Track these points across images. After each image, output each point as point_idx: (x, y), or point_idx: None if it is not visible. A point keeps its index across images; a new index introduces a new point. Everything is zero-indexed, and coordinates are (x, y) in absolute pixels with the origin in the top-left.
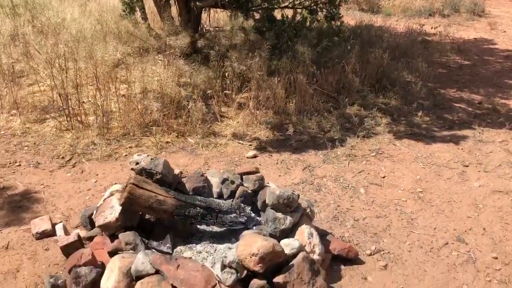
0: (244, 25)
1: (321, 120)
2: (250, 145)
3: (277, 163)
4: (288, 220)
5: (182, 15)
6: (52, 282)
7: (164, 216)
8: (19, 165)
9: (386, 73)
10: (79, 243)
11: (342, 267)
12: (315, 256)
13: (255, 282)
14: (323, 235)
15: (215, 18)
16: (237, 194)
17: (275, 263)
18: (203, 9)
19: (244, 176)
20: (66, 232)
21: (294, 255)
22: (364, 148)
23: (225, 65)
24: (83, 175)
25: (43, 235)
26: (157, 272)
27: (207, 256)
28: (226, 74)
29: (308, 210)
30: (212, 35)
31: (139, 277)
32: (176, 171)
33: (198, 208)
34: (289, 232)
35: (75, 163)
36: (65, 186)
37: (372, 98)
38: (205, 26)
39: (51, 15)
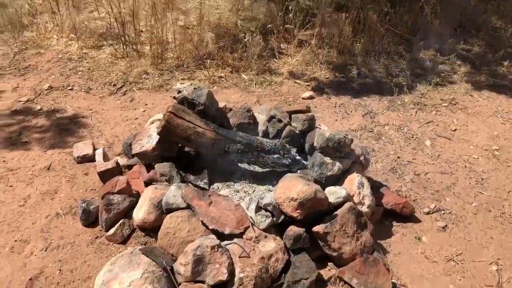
0: None
1: (390, 64)
2: (308, 85)
3: (335, 107)
4: (337, 166)
5: None
6: (84, 206)
7: (202, 149)
8: (72, 89)
9: (471, 16)
10: (117, 171)
11: (394, 223)
12: (364, 208)
13: (292, 229)
14: (377, 187)
15: None
16: (283, 134)
17: (317, 211)
18: None
19: (293, 115)
20: (106, 158)
21: (340, 205)
22: (436, 97)
23: None
24: (132, 104)
25: (84, 160)
26: (189, 207)
27: (245, 196)
28: (290, 8)
29: (362, 158)
30: None
31: (170, 210)
32: (222, 105)
33: (238, 144)
34: (337, 180)
35: (125, 91)
36: (113, 113)
37: (451, 43)
38: None
39: None
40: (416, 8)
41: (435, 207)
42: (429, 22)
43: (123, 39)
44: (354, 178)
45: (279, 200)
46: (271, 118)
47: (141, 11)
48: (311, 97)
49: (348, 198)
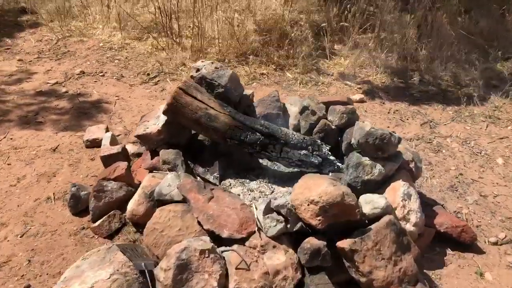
0: None
1: (458, 72)
2: (359, 88)
3: (388, 113)
4: (377, 169)
5: None
6: (74, 191)
7: (214, 136)
8: (103, 75)
9: None
10: (123, 157)
11: (449, 251)
12: (408, 226)
13: (310, 241)
14: (429, 205)
15: None
16: (315, 129)
17: (344, 222)
18: None
19: (330, 107)
20: (114, 143)
21: (376, 218)
22: None
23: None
24: (161, 94)
25: (93, 144)
26: (184, 200)
27: (259, 197)
28: (348, 7)
29: (412, 165)
30: None
31: (162, 202)
32: (248, 92)
33: (258, 134)
34: (377, 187)
35: (158, 81)
36: (139, 101)
37: None
38: None
39: None
40: (495, 14)
41: (505, 237)
42: (510, 30)
43: (166, 31)
44: (398, 187)
45: (296, 203)
46: (303, 109)
47: (188, 4)
48: (361, 101)
49: (388, 210)
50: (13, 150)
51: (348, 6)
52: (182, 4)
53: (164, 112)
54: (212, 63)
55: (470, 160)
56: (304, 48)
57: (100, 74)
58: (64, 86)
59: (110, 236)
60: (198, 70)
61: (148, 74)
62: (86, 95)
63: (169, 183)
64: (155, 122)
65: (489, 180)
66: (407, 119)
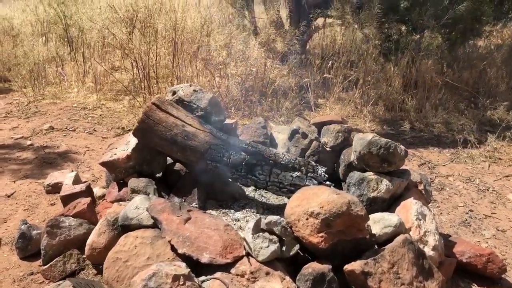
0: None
1: (450, 118)
2: None
3: None
4: (384, 184)
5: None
6: (24, 229)
7: (192, 158)
8: (74, 130)
9: None
10: (86, 196)
11: (475, 287)
12: (427, 250)
13: (311, 266)
14: (444, 238)
15: None
16: (308, 152)
17: (351, 240)
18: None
19: (323, 128)
20: (77, 183)
21: (388, 240)
22: None
23: (331, 55)
24: None
25: (55, 189)
26: (156, 225)
27: (246, 226)
28: (330, 63)
29: (421, 187)
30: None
31: (127, 227)
32: (231, 121)
33: (243, 154)
34: (385, 206)
35: None
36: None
37: None
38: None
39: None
40: (478, 66)
41: None
42: (494, 85)
43: (144, 90)
44: (410, 205)
45: (292, 218)
46: (293, 133)
47: (163, 61)
48: None
49: (402, 229)
50: None
51: (330, 62)
52: (160, 61)
53: (135, 131)
54: (190, 85)
55: (478, 197)
56: (286, 103)
57: (71, 129)
58: (30, 140)
59: (63, 279)
60: (174, 92)
61: (123, 128)
62: (53, 147)
63: (136, 205)
64: (124, 148)
65: (503, 216)
66: None
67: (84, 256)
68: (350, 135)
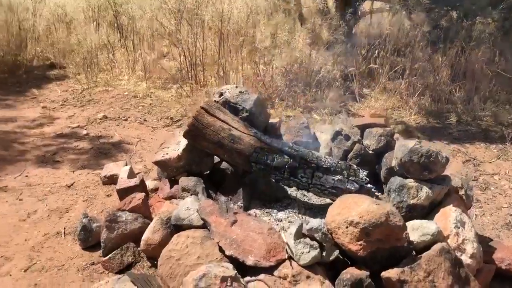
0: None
1: (500, 111)
2: (393, 128)
3: None
4: (424, 192)
5: None
6: (85, 222)
7: (238, 160)
8: (126, 120)
9: None
10: (140, 190)
11: None
12: (465, 258)
13: (350, 271)
14: (484, 242)
15: None
16: (350, 154)
17: (390, 249)
18: None
19: (366, 131)
20: (132, 177)
21: (426, 247)
22: None
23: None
24: None
25: (110, 180)
26: (205, 225)
27: (288, 227)
28: (376, 52)
29: (462, 193)
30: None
31: (179, 227)
32: (275, 120)
33: (286, 157)
34: (424, 213)
35: (181, 124)
36: (161, 142)
37: None
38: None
39: None
40: None
41: None
42: None
43: (191, 79)
44: (449, 213)
45: (332, 225)
46: (336, 135)
47: (211, 52)
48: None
49: (440, 238)
50: (26, 187)
51: (377, 50)
52: (207, 51)
53: (185, 134)
54: (236, 86)
55: None
56: (331, 93)
57: (123, 118)
58: (85, 129)
59: (121, 271)
60: (221, 94)
61: (171, 118)
62: (107, 137)
63: (187, 206)
64: (175, 148)
65: None
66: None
67: (139, 249)
68: (392, 138)
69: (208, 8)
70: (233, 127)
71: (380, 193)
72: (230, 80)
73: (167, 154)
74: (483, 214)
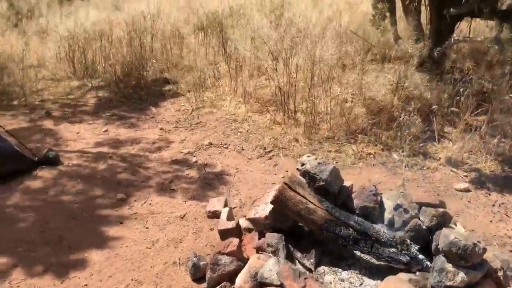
0: (502, 36)
1: None
2: (466, 175)
3: (493, 205)
4: (460, 276)
5: (433, 22)
6: (195, 261)
7: (312, 227)
8: (227, 147)
9: None
10: (236, 231)
11: None
12: None
13: None
14: None
15: (474, 27)
16: (407, 227)
17: None
18: (459, 18)
19: (422, 208)
20: (230, 217)
21: None
22: None
23: (463, 79)
24: (274, 168)
25: (214, 215)
26: (282, 285)
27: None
28: (461, 90)
29: (500, 273)
30: (458, 47)
31: (263, 284)
32: (348, 184)
33: (351, 229)
34: None
35: (272, 155)
36: (254, 175)
37: None
38: (455, 36)
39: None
40: None
41: None
42: None
43: (283, 107)
44: None
45: None
46: (397, 207)
47: (303, 83)
48: (466, 190)
49: None
50: (151, 215)
51: (461, 89)
52: (299, 85)
53: (272, 202)
54: (316, 158)
55: None
56: (412, 131)
57: (224, 146)
58: (194, 156)
59: None
60: (303, 164)
61: (265, 148)
62: (212, 166)
63: (270, 268)
64: (264, 208)
65: None
66: None
67: (233, 286)
68: (444, 218)
69: (302, 49)
70: (309, 201)
71: (430, 263)
72: (318, 107)
73: (257, 213)
74: None
